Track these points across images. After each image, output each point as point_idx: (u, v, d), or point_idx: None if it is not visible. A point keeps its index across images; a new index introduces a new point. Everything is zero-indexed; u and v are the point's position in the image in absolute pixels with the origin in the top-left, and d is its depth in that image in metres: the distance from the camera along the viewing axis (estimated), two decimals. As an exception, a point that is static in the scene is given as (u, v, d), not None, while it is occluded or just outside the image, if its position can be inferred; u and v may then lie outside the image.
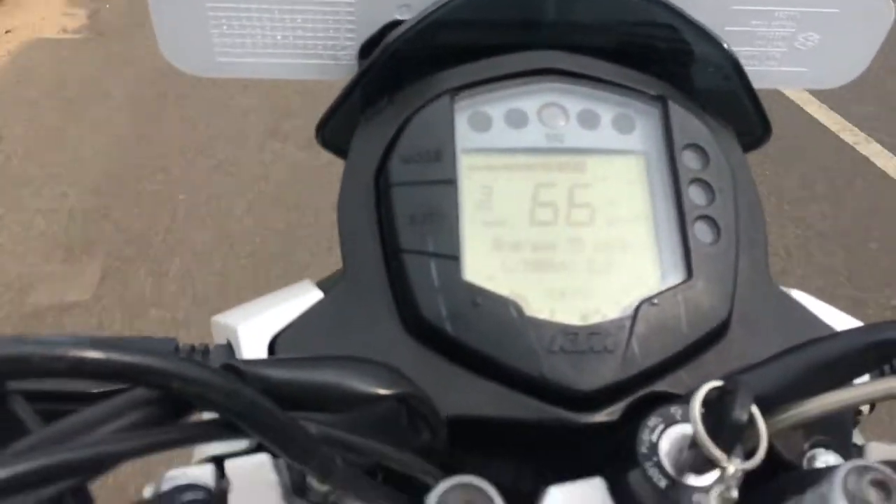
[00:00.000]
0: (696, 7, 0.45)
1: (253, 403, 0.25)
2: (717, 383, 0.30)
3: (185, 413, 0.25)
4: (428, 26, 0.41)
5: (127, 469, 0.27)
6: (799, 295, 0.40)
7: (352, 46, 0.46)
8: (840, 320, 0.39)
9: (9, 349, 0.21)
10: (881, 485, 0.26)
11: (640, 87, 0.41)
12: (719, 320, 0.36)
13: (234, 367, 0.27)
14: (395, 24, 0.45)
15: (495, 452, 0.36)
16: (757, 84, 0.48)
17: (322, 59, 0.47)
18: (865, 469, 0.27)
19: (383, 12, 0.45)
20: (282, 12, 0.44)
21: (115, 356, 0.23)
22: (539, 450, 0.36)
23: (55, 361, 0.22)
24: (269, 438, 0.25)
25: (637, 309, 0.35)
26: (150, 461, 0.27)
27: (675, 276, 0.37)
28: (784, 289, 0.40)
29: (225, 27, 0.45)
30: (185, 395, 0.24)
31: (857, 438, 0.38)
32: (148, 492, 0.32)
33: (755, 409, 0.29)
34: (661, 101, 0.41)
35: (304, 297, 0.37)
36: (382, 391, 0.29)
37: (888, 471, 0.27)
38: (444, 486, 0.28)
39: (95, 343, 0.23)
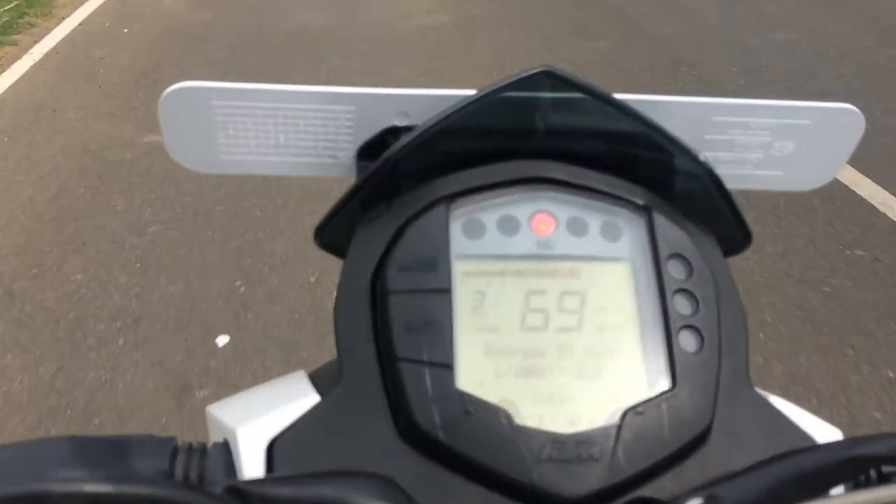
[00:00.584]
0: (678, 117, 0.48)
1: None
2: (698, 500, 0.31)
3: None
4: (428, 137, 0.43)
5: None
6: (778, 401, 0.41)
7: (350, 148, 0.48)
8: (816, 427, 0.41)
9: (29, 487, 0.23)
10: None
11: (626, 196, 0.44)
12: (701, 428, 0.38)
13: (237, 490, 0.28)
14: (392, 129, 0.47)
15: None
16: (734, 186, 0.51)
17: (322, 159, 0.49)
18: None
19: (382, 119, 0.47)
20: (285, 117, 0.47)
21: (125, 489, 0.24)
22: None
23: (70, 498, 0.23)
24: None
25: (623, 417, 0.37)
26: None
27: (660, 384, 0.38)
28: (763, 394, 0.41)
29: (231, 130, 0.47)
30: None
31: None
32: None
33: None
34: (647, 210, 0.43)
35: (301, 401, 0.38)
36: None
37: None
38: None
39: (106, 477, 0.24)
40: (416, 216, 0.42)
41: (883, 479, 0.39)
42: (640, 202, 0.43)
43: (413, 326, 0.38)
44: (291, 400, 0.39)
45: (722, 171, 0.50)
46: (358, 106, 0.47)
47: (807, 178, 0.52)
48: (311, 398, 0.39)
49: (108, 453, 0.37)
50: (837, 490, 0.37)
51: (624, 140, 0.45)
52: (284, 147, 0.48)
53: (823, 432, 0.41)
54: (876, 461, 0.34)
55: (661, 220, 0.43)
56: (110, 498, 0.24)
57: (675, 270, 0.41)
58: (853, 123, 0.49)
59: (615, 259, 0.42)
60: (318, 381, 0.41)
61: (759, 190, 0.52)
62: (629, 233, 0.43)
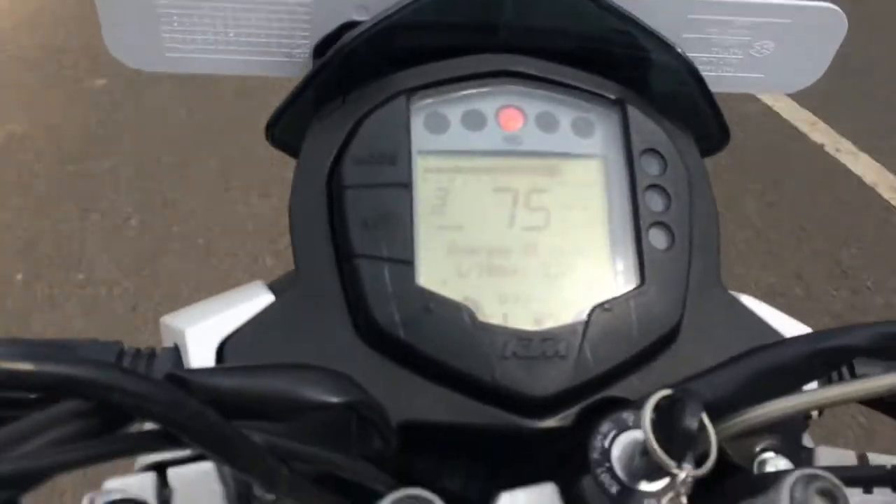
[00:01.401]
0: (653, 14, 0.46)
1: (195, 415, 0.24)
2: (668, 392, 0.30)
3: (125, 423, 0.24)
4: (385, 28, 0.40)
5: (73, 476, 0.26)
6: (749, 301, 0.40)
7: (306, 45, 0.45)
8: (789, 326, 0.40)
9: None
10: (827, 494, 0.27)
11: (599, 90, 0.41)
12: (670, 326, 0.36)
13: (177, 378, 0.26)
14: (351, 24, 0.44)
15: (447, 458, 0.36)
16: (713, 88, 0.48)
17: (275, 57, 0.46)
18: (812, 478, 0.27)
19: (339, 13, 0.44)
20: (235, 10, 0.43)
21: (50, 368, 0.22)
22: (491, 455, 0.36)
23: None
24: (211, 450, 0.25)
25: (590, 314, 0.35)
26: (95, 468, 0.26)
27: (629, 282, 0.37)
28: (735, 294, 0.40)
29: (175, 24, 0.44)
30: (125, 406, 0.23)
31: (808, 441, 0.39)
32: (86, 502, 0.31)
33: (705, 417, 0.29)
34: (621, 104, 0.41)
35: (254, 301, 0.36)
36: (331, 399, 0.29)
37: (834, 479, 0.27)
38: (390, 498, 0.27)
39: (29, 353, 0.22)
40: (375, 109, 0.39)
41: (854, 374, 0.38)
42: (614, 96, 0.41)
43: (371, 222, 0.36)
44: (244, 301, 0.37)
45: (700, 73, 0.48)
46: None
47: (788, 81, 0.50)
48: (265, 298, 0.37)
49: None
50: (810, 386, 0.35)
51: (598, 35, 0.43)
52: (235, 44, 0.45)
53: (795, 330, 0.39)
54: (847, 353, 0.33)
55: (635, 115, 0.40)
56: (31, 377, 0.22)
57: (648, 165, 0.39)
58: (835, 24, 0.47)
59: (587, 156, 0.40)
60: (275, 286, 0.39)
61: (738, 92, 0.50)
62: (602, 128, 0.41)
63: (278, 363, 0.29)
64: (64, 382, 0.22)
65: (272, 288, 0.39)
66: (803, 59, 0.49)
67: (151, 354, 0.36)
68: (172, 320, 0.38)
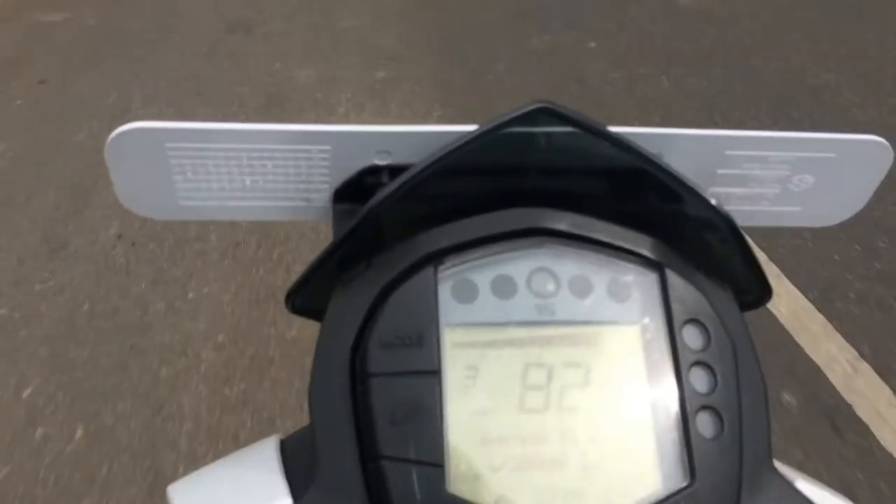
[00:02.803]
0: (689, 150, 0.43)
1: None
2: None
3: None
4: (414, 186, 0.38)
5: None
6: (802, 484, 0.37)
7: (325, 190, 0.43)
8: None
9: None
10: None
11: (635, 248, 0.39)
12: None
13: None
14: (372, 169, 0.42)
15: None
16: (748, 222, 0.46)
17: (293, 202, 0.44)
18: None
19: (360, 158, 0.42)
20: (251, 159, 0.41)
21: None
22: None
23: None
24: None
25: None
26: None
27: (677, 478, 0.34)
28: (787, 473, 0.37)
29: (189, 174, 0.42)
30: None
31: None
32: None
33: None
34: (659, 267, 0.38)
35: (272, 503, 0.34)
36: None
37: None
38: None
39: None
40: (400, 279, 0.37)
41: None
42: (651, 257, 0.39)
43: (398, 417, 0.34)
44: (260, 500, 0.34)
45: (734, 208, 0.45)
46: (334, 145, 0.41)
47: (826, 214, 0.48)
48: (283, 501, 0.34)
49: None
50: None
51: (627, 180, 0.40)
52: (251, 191, 0.43)
53: None
54: None
55: (674, 279, 0.38)
56: None
57: (690, 339, 0.37)
58: (881, 155, 0.45)
59: (624, 323, 0.37)
60: (291, 462, 0.37)
61: (774, 227, 0.48)
62: (639, 292, 0.38)
63: None
64: None
65: (287, 460, 0.36)
66: (844, 192, 0.47)
67: None
68: (179, 497, 0.36)
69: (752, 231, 0.45)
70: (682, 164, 0.42)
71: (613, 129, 0.39)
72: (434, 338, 0.35)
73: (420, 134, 0.41)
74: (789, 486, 0.37)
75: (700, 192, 0.39)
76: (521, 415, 0.35)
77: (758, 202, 0.46)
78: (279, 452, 0.37)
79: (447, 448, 0.33)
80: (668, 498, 0.33)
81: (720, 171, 0.45)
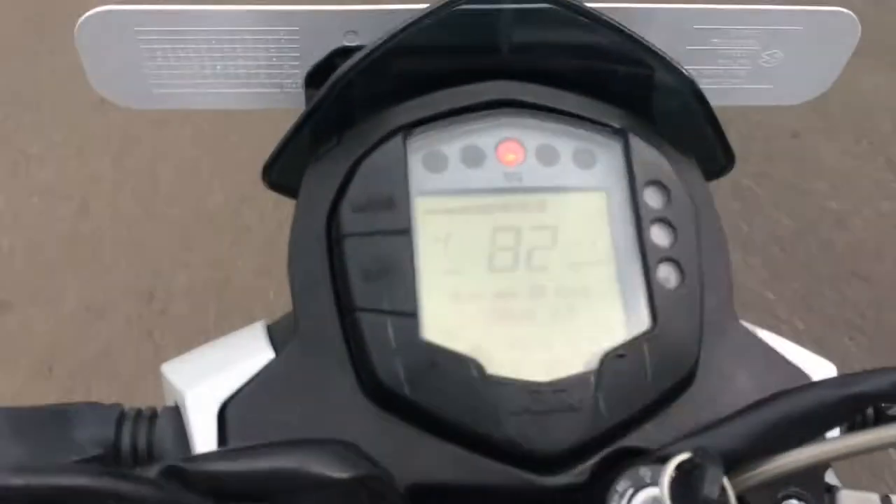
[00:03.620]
0: (657, 26, 0.44)
1: None
2: (687, 455, 0.28)
3: None
4: (377, 58, 0.38)
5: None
6: (767, 335, 0.39)
7: (297, 75, 0.44)
8: (809, 360, 0.38)
9: None
10: None
11: (600, 118, 0.40)
12: (686, 370, 0.35)
13: (177, 469, 0.25)
14: (342, 50, 0.43)
15: None
16: (721, 101, 0.47)
17: (266, 89, 0.44)
18: None
19: (329, 40, 0.42)
20: (220, 42, 0.42)
21: (43, 480, 0.21)
22: None
23: None
24: None
25: (602, 362, 0.34)
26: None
27: (640, 323, 0.35)
28: (751, 328, 0.39)
29: (160, 59, 0.42)
30: None
31: (832, 478, 0.38)
32: None
33: (725, 481, 0.28)
34: (622, 134, 0.39)
35: (255, 358, 0.35)
36: (338, 475, 0.28)
37: None
38: None
39: (19, 469, 0.21)
40: (371, 150, 0.37)
41: (881, 419, 0.37)
42: (616, 125, 0.39)
43: (372, 272, 0.35)
44: (244, 357, 0.35)
45: (706, 86, 0.46)
46: (302, 26, 0.42)
47: (798, 90, 0.48)
48: (265, 355, 0.35)
49: (50, 425, 0.34)
50: (833, 433, 0.34)
51: (597, 54, 0.41)
52: (223, 77, 0.43)
53: (816, 366, 0.38)
54: (874, 398, 0.32)
55: (637, 144, 0.39)
56: (25, 492, 0.21)
57: (652, 199, 0.38)
58: (848, 28, 0.45)
59: (589, 188, 0.38)
60: (276, 333, 0.38)
61: (747, 105, 0.48)
62: (603, 159, 0.39)
63: (280, 441, 0.28)
64: (61, 493, 0.21)
65: (272, 336, 0.37)
66: (815, 68, 0.47)
67: (153, 416, 0.35)
68: (172, 373, 0.37)
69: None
70: (651, 39, 0.42)
71: (589, 4, 0.40)
72: (405, 200, 0.36)
73: (388, 12, 0.41)
74: (750, 333, 0.38)
75: (669, 59, 0.40)
76: (491, 273, 0.36)
77: (729, 80, 0.47)
78: (265, 330, 0.39)
79: (420, 300, 0.34)
80: (631, 341, 0.35)
81: (689, 47, 0.45)
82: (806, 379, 0.37)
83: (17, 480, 0.21)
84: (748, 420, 0.32)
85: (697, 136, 0.42)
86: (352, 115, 0.40)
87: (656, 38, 0.42)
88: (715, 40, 0.45)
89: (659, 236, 0.37)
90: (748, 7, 0.44)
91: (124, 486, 0.22)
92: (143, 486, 0.23)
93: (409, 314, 0.34)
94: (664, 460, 0.29)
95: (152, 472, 0.25)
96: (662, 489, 0.28)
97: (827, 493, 0.36)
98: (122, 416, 0.35)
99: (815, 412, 0.32)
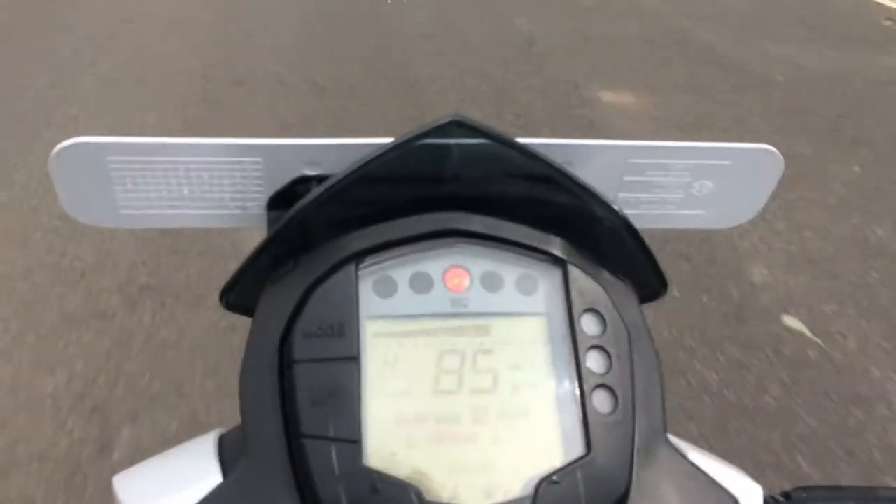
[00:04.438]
0: (595, 159, 0.47)
1: None
2: None
3: None
4: (337, 192, 0.41)
5: None
6: (695, 455, 0.41)
7: (260, 199, 0.46)
8: (735, 480, 0.40)
9: None
10: None
11: (541, 247, 0.42)
12: (618, 495, 0.37)
13: None
14: (303, 178, 0.46)
15: None
16: (656, 225, 0.50)
17: (230, 210, 0.47)
18: None
19: (291, 169, 0.45)
20: (187, 170, 0.44)
21: None
22: None
23: None
24: None
25: (537, 488, 0.36)
26: None
27: (576, 449, 0.37)
28: (680, 446, 0.41)
29: (129, 184, 0.44)
30: None
31: None
32: None
33: None
34: (562, 263, 0.42)
35: (203, 482, 0.36)
36: None
37: None
38: None
39: None
40: (324, 277, 0.40)
41: None
42: (556, 254, 0.42)
43: (319, 399, 0.36)
44: (194, 479, 0.37)
45: (642, 212, 0.49)
46: (265, 157, 0.45)
47: (728, 216, 0.52)
48: (214, 478, 0.37)
49: None
50: None
51: (536, 187, 0.44)
52: (189, 200, 0.46)
53: (742, 487, 0.40)
54: None
55: (575, 273, 0.42)
56: None
57: (588, 326, 0.40)
58: (772, 163, 0.49)
59: (530, 314, 0.41)
60: (226, 449, 0.39)
61: (679, 228, 0.52)
62: (544, 286, 0.42)
63: None
64: None
65: (222, 451, 0.39)
66: (742, 196, 0.51)
67: None
68: (123, 490, 0.38)
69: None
70: (590, 171, 0.46)
71: (523, 140, 0.43)
72: (354, 327, 0.38)
73: (346, 146, 0.44)
74: (682, 457, 0.40)
75: (601, 196, 0.43)
76: (435, 397, 0.38)
77: (663, 206, 0.50)
78: (217, 444, 0.40)
79: (364, 426, 0.36)
80: (566, 466, 0.36)
81: (626, 178, 0.49)
82: (732, 501, 0.39)
83: None
84: None
85: (631, 264, 0.45)
86: (309, 240, 0.42)
87: (595, 169, 0.46)
88: (650, 172, 0.49)
89: (595, 363, 0.39)
90: (680, 144, 0.48)
91: None
92: None
93: (353, 441, 0.36)
94: None
95: None
96: None
97: None
98: None
99: None
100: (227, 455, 0.39)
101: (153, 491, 0.37)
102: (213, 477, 0.37)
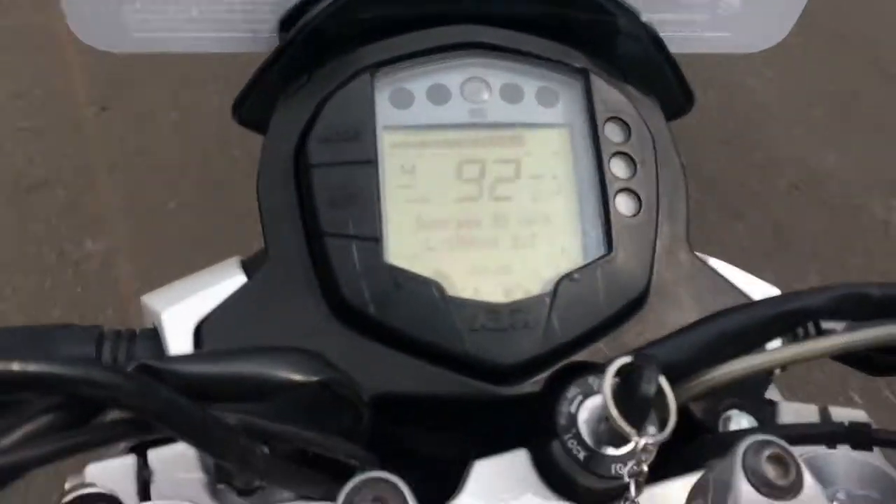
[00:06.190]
0: None
1: (166, 402, 0.25)
2: (627, 359, 0.30)
3: (97, 413, 0.25)
4: (347, 3, 0.40)
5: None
6: (717, 263, 0.41)
7: (271, 20, 0.45)
8: (756, 286, 0.40)
9: None
10: (779, 460, 0.28)
11: (562, 59, 0.41)
12: (637, 292, 0.37)
13: (149, 367, 0.27)
14: None
15: (422, 429, 0.37)
16: (680, 49, 0.49)
17: (241, 33, 0.46)
18: (764, 444, 0.28)
19: None
20: None
21: (14, 367, 0.23)
22: (465, 425, 0.37)
23: None
24: (185, 434, 0.25)
25: (557, 284, 0.36)
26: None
27: (597, 250, 0.37)
28: (703, 257, 0.41)
29: (138, 3, 0.43)
30: (96, 398, 0.24)
31: (775, 394, 0.40)
32: (70, 483, 0.32)
33: (664, 382, 0.30)
34: (584, 73, 0.41)
35: (229, 281, 0.37)
36: (303, 378, 0.30)
37: (785, 446, 0.28)
38: (354, 482, 0.28)
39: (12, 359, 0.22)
40: (340, 87, 0.39)
41: (820, 332, 0.39)
42: (577, 65, 0.41)
43: (338, 200, 0.36)
44: (218, 282, 0.37)
45: (666, 34, 0.48)
46: None
47: (755, 38, 0.50)
48: (239, 279, 0.37)
49: (31, 343, 0.36)
50: (775, 344, 0.36)
51: (560, 1, 0.43)
52: (200, 21, 0.45)
53: (761, 291, 0.40)
54: (811, 314, 0.34)
55: (598, 83, 0.41)
56: (19, 378, 0.22)
57: (612, 133, 0.40)
58: None
59: (551, 125, 0.40)
60: (249, 264, 0.40)
61: (705, 52, 0.50)
62: (565, 97, 0.41)
63: (250, 346, 0.30)
64: (32, 380, 0.23)
65: (246, 266, 0.39)
66: (769, 16, 0.49)
67: (131, 337, 0.37)
68: (151, 300, 0.39)
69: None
70: None
71: None
72: (370, 133, 0.38)
73: None
74: (702, 262, 0.40)
75: (628, 6, 0.42)
76: (455, 203, 0.38)
77: (688, 27, 0.49)
78: (239, 262, 0.40)
79: (385, 226, 0.36)
80: (587, 266, 0.37)
81: None
82: (749, 301, 0.39)
83: (10, 367, 0.22)
84: (690, 335, 0.34)
85: (657, 78, 0.44)
86: (322, 55, 0.41)
87: None
88: None
89: (619, 168, 0.39)
90: None
91: (99, 375, 0.24)
92: (116, 376, 0.24)
93: (374, 239, 0.36)
94: None
95: (128, 367, 0.27)
96: (605, 390, 0.30)
97: (768, 406, 0.38)
98: (101, 336, 0.37)
99: (753, 328, 0.34)
100: (250, 265, 0.39)
101: (179, 296, 0.37)
102: (237, 279, 0.37)
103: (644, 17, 0.43)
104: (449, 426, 0.37)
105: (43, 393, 0.24)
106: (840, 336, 0.33)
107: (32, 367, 0.23)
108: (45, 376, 0.23)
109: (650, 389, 0.29)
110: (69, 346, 0.36)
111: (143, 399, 0.24)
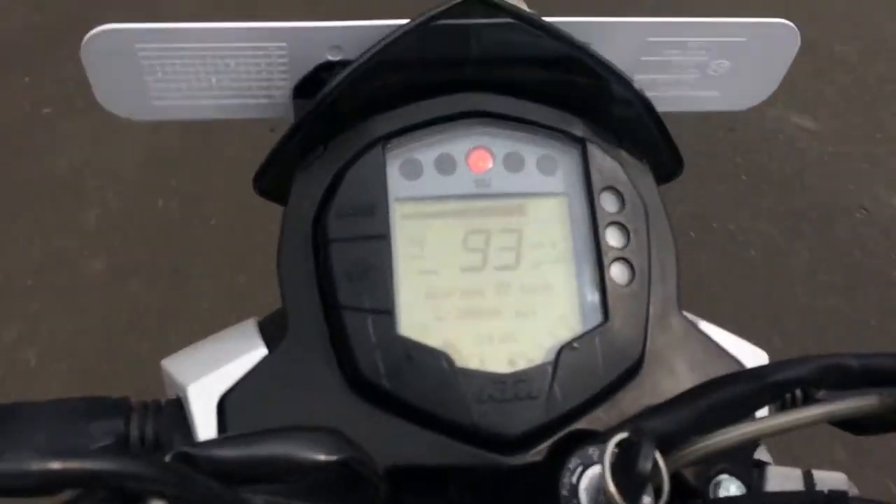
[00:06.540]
0: (613, 38, 0.48)
1: (204, 489, 0.27)
2: (624, 435, 0.33)
3: (140, 501, 0.28)
4: (363, 71, 0.42)
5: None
6: (707, 326, 0.43)
7: (285, 87, 0.47)
8: (744, 349, 0.43)
9: None
10: None
11: (561, 126, 0.44)
12: (632, 360, 0.40)
13: (185, 455, 0.29)
14: (327, 65, 0.46)
15: (433, 499, 0.40)
16: (671, 108, 0.51)
17: (257, 100, 0.48)
18: None
19: (315, 55, 0.46)
20: (215, 57, 0.45)
21: (73, 465, 0.25)
22: (473, 494, 0.40)
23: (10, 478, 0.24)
24: None
25: (558, 354, 0.38)
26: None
27: (594, 318, 0.40)
28: (693, 319, 0.43)
29: (159, 73, 0.45)
30: (141, 491, 0.26)
31: (764, 455, 0.42)
32: None
33: (658, 457, 0.32)
34: (581, 142, 0.43)
35: (250, 354, 0.39)
36: (325, 458, 0.32)
37: None
38: None
39: (42, 455, 0.24)
40: (354, 159, 0.41)
41: (807, 399, 0.42)
42: (575, 133, 0.43)
43: (354, 274, 0.39)
44: (240, 354, 0.40)
45: (658, 94, 0.50)
46: (289, 42, 0.45)
47: (743, 97, 0.52)
48: (259, 351, 0.40)
49: (60, 419, 0.38)
50: (763, 412, 0.39)
51: (557, 66, 0.45)
52: (217, 89, 0.47)
53: (749, 353, 0.43)
54: (794, 385, 0.36)
55: (595, 152, 0.43)
56: (56, 477, 0.24)
57: (607, 203, 0.42)
58: (788, 38, 0.49)
59: (551, 194, 0.43)
60: (267, 330, 0.42)
61: (696, 110, 0.52)
62: (564, 165, 0.43)
63: (276, 427, 0.33)
64: (82, 478, 0.25)
65: (263, 331, 0.41)
66: (757, 75, 0.51)
67: (157, 409, 0.39)
68: (173, 367, 0.41)
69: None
70: (608, 51, 0.46)
71: (545, 18, 0.43)
72: (384, 208, 0.40)
73: (369, 28, 0.45)
74: (693, 326, 0.43)
75: (620, 72, 0.44)
76: (462, 273, 0.40)
77: (679, 87, 0.51)
78: (257, 327, 0.43)
79: (397, 299, 0.39)
80: (585, 334, 0.39)
81: (643, 58, 0.49)
82: (740, 367, 0.41)
83: (54, 465, 0.24)
84: (683, 404, 0.36)
85: (648, 143, 0.46)
86: (336, 125, 0.43)
87: (613, 49, 0.46)
88: (667, 52, 0.49)
89: (613, 238, 0.41)
90: (697, 20, 0.48)
91: (146, 471, 0.26)
92: (161, 470, 0.27)
93: (387, 312, 0.38)
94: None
95: (167, 457, 0.29)
96: (604, 465, 0.32)
97: (756, 469, 0.40)
98: (129, 409, 0.39)
99: (745, 396, 0.36)
100: (268, 333, 0.41)
101: (203, 367, 0.40)
102: (258, 351, 0.40)
103: (636, 80, 0.45)
104: (458, 495, 0.40)
105: (94, 488, 0.26)
106: (824, 406, 0.35)
107: (75, 465, 0.25)
108: (97, 473, 0.25)
109: (647, 466, 0.31)
110: (99, 423, 0.38)
111: (183, 490, 0.27)
